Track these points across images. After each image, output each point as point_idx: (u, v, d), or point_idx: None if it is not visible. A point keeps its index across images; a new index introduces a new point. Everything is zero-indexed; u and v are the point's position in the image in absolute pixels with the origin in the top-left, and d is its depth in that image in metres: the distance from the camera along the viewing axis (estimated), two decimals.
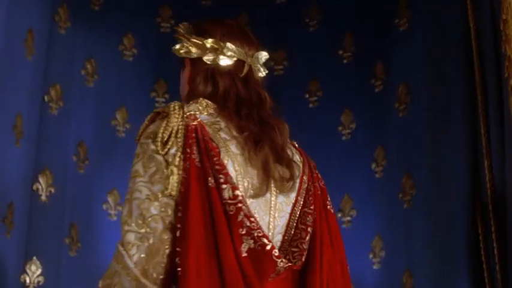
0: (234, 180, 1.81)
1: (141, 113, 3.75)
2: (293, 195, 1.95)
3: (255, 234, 1.78)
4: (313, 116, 3.80)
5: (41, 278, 3.32)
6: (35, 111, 3.36)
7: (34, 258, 3.32)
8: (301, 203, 1.96)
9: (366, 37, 3.79)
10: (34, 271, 3.31)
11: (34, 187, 3.37)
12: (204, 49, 2.01)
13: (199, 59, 2.02)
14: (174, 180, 1.79)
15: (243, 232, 1.78)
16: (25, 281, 3.28)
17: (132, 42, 3.91)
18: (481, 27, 2.97)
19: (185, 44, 2.04)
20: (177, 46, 2.05)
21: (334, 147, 3.74)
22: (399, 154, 3.52)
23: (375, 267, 3.56)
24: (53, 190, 3.42)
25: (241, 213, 1.78)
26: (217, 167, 1.80)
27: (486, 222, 2.85)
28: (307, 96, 3.86)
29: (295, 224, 1.93)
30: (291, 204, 1.94)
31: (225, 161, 1.83)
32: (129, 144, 3.71)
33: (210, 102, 1.95)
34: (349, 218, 3.66)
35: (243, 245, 1.77)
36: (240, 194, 1.79)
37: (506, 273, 2.69)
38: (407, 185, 3.38)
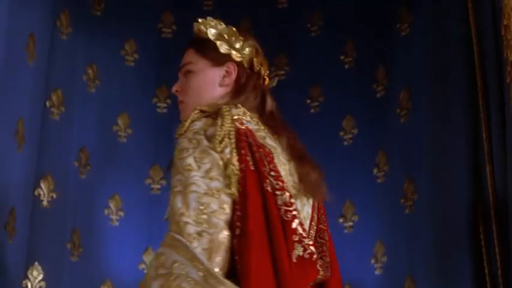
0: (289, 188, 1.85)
1: (142, 119, 3.82)
2: (310, 210, 2.00)
3: (305, 242, 1.81)
4: (315, 121, 3.80)
5: (42, 284, 3.31)
6: (37, 116, 3.35)
7: (36, 263, 3.31)
8: (316, 219, 2.01)
9: (367, 42, 3.79)
10: (36, 276, 3.30)
11: (36, 192, 3.36)
12: (266, 68, 2.13)
13: (252, 71, 2.11)
14: (233, 179, 1.79)
15: (296, 239, 1.80)
16: (27, 286, 3.28)
17: (133, 48, 3.91)
18: (482, 32, 2.97)
19: (260, 57, 2.13)
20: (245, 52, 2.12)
21: (335, 153, 3.73)
22: (401, 159, 3.51)
23: (376, 272, 3.55)
24: (54, 195, 3.42)
25: (296, 220, 1.81)
26: (273, 173, 1.83)
27: (488, 227, 2.85)
28: (308, 101, 3.86)
29: (313, 238, 1.98)
30: (309, 219, 2.00)
31: (279, 168, 1.87)
32: (130, 149, 3.78)
33: (246, 110, 1.97)
34: (350, 223, 3.66)
35: (293, 252, 1.79)
36: (294, 201, 1.83)
37: (508, 277, 2.69)
38: (409, 190, 3.38)
